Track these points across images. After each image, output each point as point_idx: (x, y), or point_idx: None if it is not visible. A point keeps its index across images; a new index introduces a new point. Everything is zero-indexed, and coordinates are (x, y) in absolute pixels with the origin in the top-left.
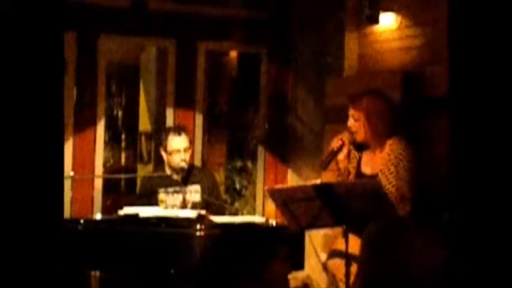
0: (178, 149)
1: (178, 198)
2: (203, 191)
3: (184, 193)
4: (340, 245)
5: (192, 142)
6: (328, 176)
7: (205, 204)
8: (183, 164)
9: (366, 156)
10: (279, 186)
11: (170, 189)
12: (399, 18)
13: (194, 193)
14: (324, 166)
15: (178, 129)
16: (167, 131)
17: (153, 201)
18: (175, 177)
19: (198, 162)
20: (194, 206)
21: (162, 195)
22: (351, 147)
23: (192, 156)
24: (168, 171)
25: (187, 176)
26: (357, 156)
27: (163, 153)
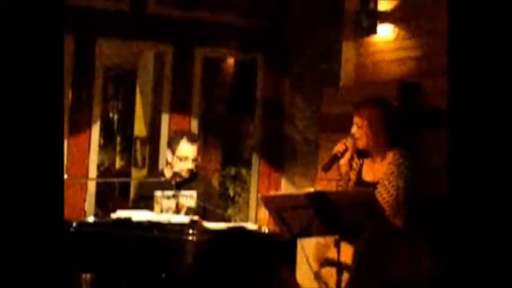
0: (187, 156)
1: (173, 202)
2: (199, 197)
3: (179, 198)
4: (333, 253)
5: (200, 153)
6: (322, 185)
7: (201, 210)
8: (186, 174)
9: (367, 164)
10: (272, 193)
11: (166, 193)
12: (397, 29)
13: (189, 198)
14: (326, 169)
15: (193, 138)
16: (181, 135)
17: (148, 204)
18: (173, 181)
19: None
20: (188, 211)
21: (157, 198)
22: (354, 153)
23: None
24: (167, 174)
25: (184, 180)
26: (359, 163)
27: (169, 155)
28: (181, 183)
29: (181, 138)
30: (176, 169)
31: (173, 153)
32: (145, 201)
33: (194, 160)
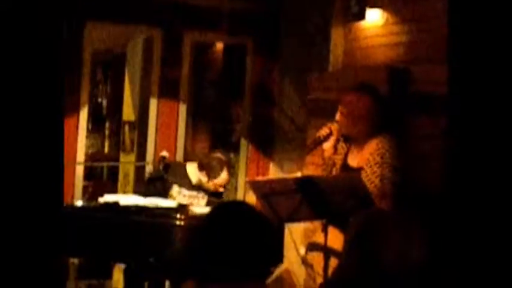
0: (225, 185)
1: (188, 201)
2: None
3: (194, 198)
4: (319, 238)
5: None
6: (310, 170)
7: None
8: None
9: (353, 149)
10: (260, 178)
11: (183, 191)
12: (385, 14)
13: (201, 199)
14: (308, 151)
15: (229, 167)
16: (222, 164)
17: (161, 190)
18: (193, 181)
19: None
20: None
21: (174, 193)
22: (341, 138)
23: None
24: (191, 176)
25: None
26: (345, 148)
27: (203, 177)
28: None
29: (223, 169)
30: (209, 189)
31: (209, 178)
32: (162, 184)
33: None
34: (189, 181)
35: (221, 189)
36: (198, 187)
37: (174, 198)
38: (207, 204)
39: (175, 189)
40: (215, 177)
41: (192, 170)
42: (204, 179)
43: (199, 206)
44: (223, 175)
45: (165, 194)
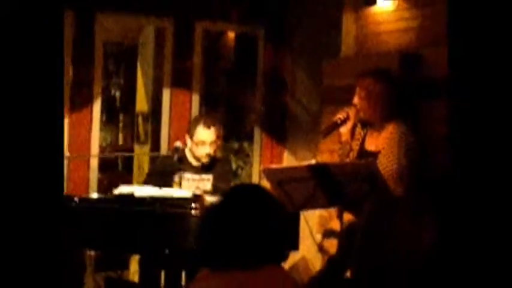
0: (204, 141)
1: (192, 185)
2: (215, 178)
3: (199, 181)
4: (335, 225)
5: (220, 136)
6: (324, 157)
7: (215, 191)
8: (205, 159)
9: (370, 134)
10: (274, 166)
11: (187, 176)
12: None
13: (206, 181)
14: (324, 135)
15: (209, 123)
16: (198, 120)
17: (166, 181)
18: (194, 163)
19: None
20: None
21: (177, 179)
22: (358, 123)
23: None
24: (190, 159)
25: (207, 165)
26: (362, 133)
27: (188, 140)
28: (205, 167)
29: (198, 123)
30: (196, 154)
31: (191, 138)
32: (164, 177)
33: (212, 143)
34: (190, 164)
35: (203, 152)
36: (202, 168)
37: (178, 185)
38: (213, 188)
39: (177, 175)
40: (193, 135)
41: (188, 151)
42: (188, 142)
43: (207, 191)
44: (200, 130)
45: (166, 186)
